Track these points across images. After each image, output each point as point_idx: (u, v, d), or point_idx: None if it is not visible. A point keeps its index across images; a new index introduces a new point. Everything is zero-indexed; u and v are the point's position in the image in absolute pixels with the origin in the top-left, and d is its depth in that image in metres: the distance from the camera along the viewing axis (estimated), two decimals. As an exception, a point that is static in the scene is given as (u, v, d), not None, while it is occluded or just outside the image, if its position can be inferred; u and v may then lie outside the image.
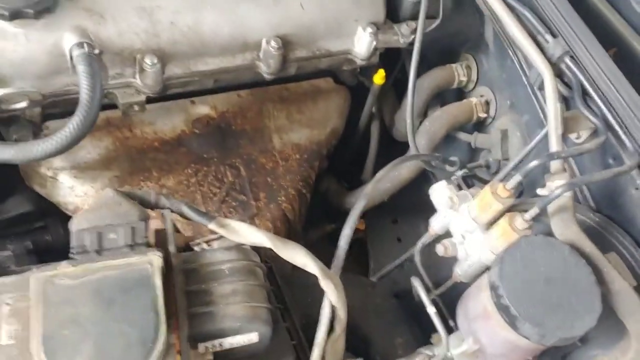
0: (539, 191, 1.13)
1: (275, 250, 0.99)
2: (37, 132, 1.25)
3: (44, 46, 1.14)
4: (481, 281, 1.06)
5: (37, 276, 0.86)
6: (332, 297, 0.99)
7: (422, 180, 1.60)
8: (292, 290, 1.15)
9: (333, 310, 1.00)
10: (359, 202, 1.13)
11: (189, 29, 1.25)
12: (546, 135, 1.19)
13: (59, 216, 1.41)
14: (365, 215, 1.75)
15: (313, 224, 1.67)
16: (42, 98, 1.16)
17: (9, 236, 1.42)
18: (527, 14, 1.31)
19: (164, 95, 1.34)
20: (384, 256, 1.67)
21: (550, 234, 1.08)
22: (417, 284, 1.16)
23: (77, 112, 1.08)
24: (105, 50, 1.18)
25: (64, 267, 0.88)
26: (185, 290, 0.91)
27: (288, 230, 1.45)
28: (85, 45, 1.12)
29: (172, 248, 0.95)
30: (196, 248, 1.06)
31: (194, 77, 1.32)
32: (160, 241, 0.96)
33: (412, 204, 1.60)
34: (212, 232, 1.02)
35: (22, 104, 1.15)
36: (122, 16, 1.20)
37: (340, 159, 1.72)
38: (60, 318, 0.83)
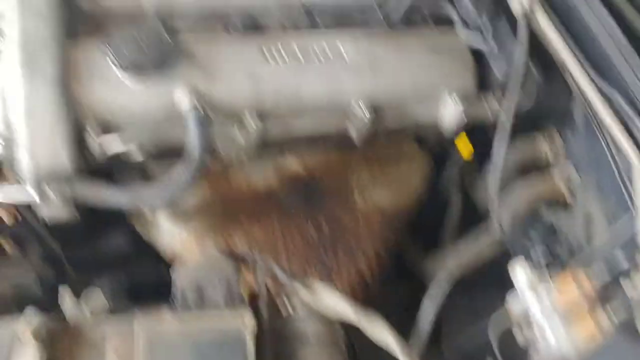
0: (624, 282, 1.12)
1: (356, 322, 1.03)
2: (145, 177, 1.35)
3: (159, 100, 1.24)
4: None
5: (142, 323, 0.94)
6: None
7: (503, 252, 1.58)
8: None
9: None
10: (441, 278, 1.16)
11: (291, 95, 1.33)
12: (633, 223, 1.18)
13: (153, 255, 1.51)
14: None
15: (388, 283, 1.70)
16: (153, 147, 1.26)
17: (105, 269, 1.53)
18: (618, 97, 1.32)
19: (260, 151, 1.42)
20: (458, 328, 1.66)
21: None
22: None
23: (187, 165, 1.17)
24: (214, 108, 1.27)
25: (166, 317, 0.95)
26: (273, 353, 0.96)
27: (365, 291, 1.49)
28: (197, 102, 1.22)
29: (263, 307, 1.02)
30: (281, 308, 1.11)
31: (290, 136, 1.40)
32: (252, 299, 1.03)
33: (490, 276, 1.59)
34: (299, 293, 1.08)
35: (136, 153, 1.25)
36: (232, 78, 1.29)
37: (420, 222, 1.75)
38: (159, 365, 0.90)
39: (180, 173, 1.18)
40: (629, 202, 1.32)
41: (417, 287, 1.74)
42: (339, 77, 1.37)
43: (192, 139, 1.19)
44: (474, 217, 1.64)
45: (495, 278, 1.41)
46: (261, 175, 1.51)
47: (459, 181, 1.71)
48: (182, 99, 1.24)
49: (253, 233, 1.44)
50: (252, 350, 0.90)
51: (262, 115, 1.32)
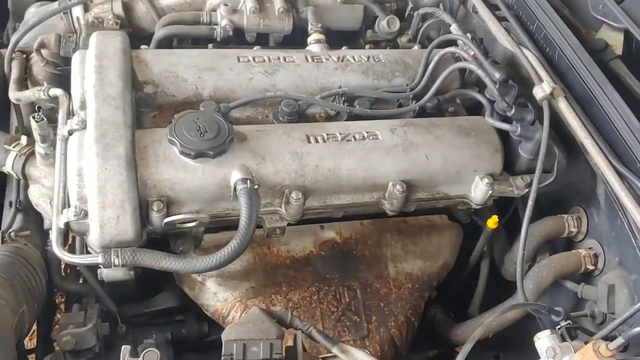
0: (643, 357, 1.18)
1: (387, 380, 1.12)
2: (197, 245, 1.50)
3: (215, 179, 1.40)
4: None
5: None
6: None
7: (527, 319, 1.66)
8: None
9: None
10: (467, 346, 1.24)
11: (329, 172, 1.47)
12: None
13: (195, 313, 1.63)
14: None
15: (417, 347, 1.78)
16: (207, 219, 1.41)
17: (153, 325, 1.66)
18: (636, 181, 1.41)
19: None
20: None
21: None
22: None
23: (236, 236, 1.31)
24: (262, 184, 1.42)
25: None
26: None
27: (395, 355, 1.57)
28: (248, 181, 1.36)
29: (301, 365, 1.12)
30: (318, 367, 1.21)
31: (328, 209, 1.53)
32: (289, 357, 1.13)
33: (515, 341, 1.67)
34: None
35: (192, 224, 1.40)
36: (278, 158, 1.45)
37: (449, 290, 1.84)
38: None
39: (232, 243, 1.31)
40: None
41: (447, 354, 1.83)
42: (374, 157, 1.51)
43: (243, 212, 1.33)
44: (501, 287, 1.72)
45: (522, 345, 1.47)
46: (300, 244, 1.64)
47: (488, 252, 1.80)
48: (235, 177, 1.38)
49: (292, 297, 1.55)
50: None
51: (304, 191, 1.46)
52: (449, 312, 1.84)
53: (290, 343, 1.18)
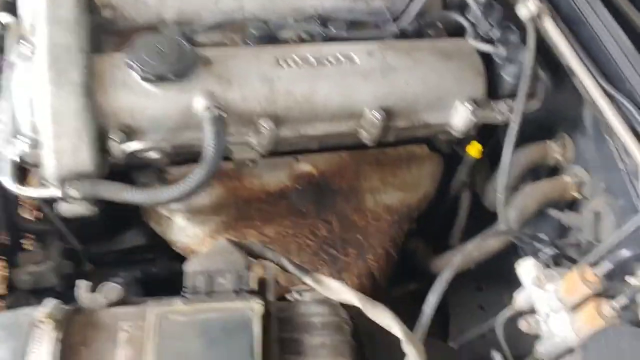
0: (629, 279, 1.14)
1: (363, 309, 1.06)
2: (161, 177, 1.41)
3: (177, 105, 1.30)
4: None
5: (154, 310, 0.98)
6: (414, 361, 1.04)
7: (510, 249, 1.62)
8: (374, 349, 1.21)
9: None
10: (446, 273, 1.19)
11: (303, 98, 1.38)
12: None
13: (166, 251, 1.56)
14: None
15: (398, 281, 1.74)
16: (171, 149, 1.32)
17: (121, 265, 1.59)
18: (626, 103, 1.34)
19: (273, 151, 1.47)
20: (466, 322, 1.68)
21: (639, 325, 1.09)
22: (497, 359, 1.19)
23: (201, 165, 1.23)
24: (229, 111, 1.32)
25: (177, 304, 1.00)
26: (279, 338, 1.00)
27: (373, 287, 1.52)
28: (213, 107, 1.27)
29: (270, 296, 1.05)
30: (289, 297, 1.15)
31: (302, 139, 1.45)
32: (260, 289, 1.07)
33: (498, 272, 1.62)
34: (306, 284, 1.12)
35: (154, 154, 1.31)
36: (247, 83, 1.35)
37: (430, 221, 1.78)
38: (170, 351, 0.95)
39: (196, 173, 1.23)
40: (638, 204, 1.34)
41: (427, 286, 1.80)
42: (350, 81, 1.42)
43: (207, 139, 1.24)
44: (483, 217, 1.67)
45: (504, 276, 1.43)
46: (274, 177, 1.55)
47: (469, 182, 1.74)
48: (199, 103, 1.29)
49: (266, 231, 1.49)
50: (258, 334, 0.94)
51: (275, 120, 1.37)
52: (429, 244, 1.80)
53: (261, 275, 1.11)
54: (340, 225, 1.54)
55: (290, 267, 1.11)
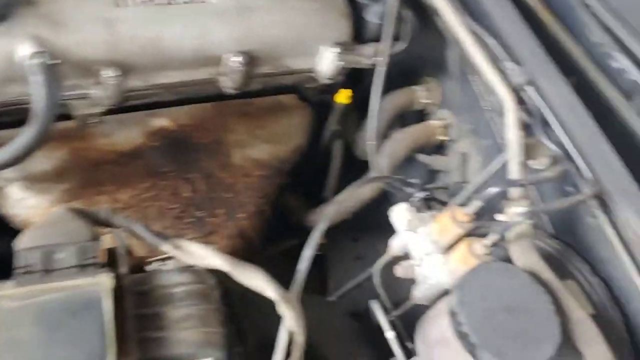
0: (499, 217, 1.14)
1: (231, 274, 0.96)
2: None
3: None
4: (440, 306, 1.06)
5: (-23, 297, 0.81)
6: (290, 322, 0.96)
7: (383, 198, 1.59)
8: (248, 312, 1.12)
9: (291, 335, 0.98)
10: (320, 225, 1.12)
11: (150, 42, 1.22)
12: (505, 161, 1.20)
13: (5, 229, 1.34)
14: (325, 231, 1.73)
15: (273, 239, 1.65)
16: (-5, 107, 1.11)
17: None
18: (490, 41, 1.33)
19: (123, 106, 1.30)
20: (344, 274, 1.64)
21: (509, 260, 1.08)
22: (375, 308, 1.16)
23: (30, 123, 1.04)
24: (62, 59, 1.13)
25: (6, 287, 0.83)
26: (136, 314, 0.88)
27: (246, 247, 1.42)
28: (41, 54, 1.08)
29: (123, 269, 0.92)
30: (149, 269, 1.02)
31: (154, 89, 1.29)
32: (111, 262, 0.92)
33: (373, 222, 1.57)
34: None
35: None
36: (82, 26, 1.16)
37: (302, 175, 1.69)
38: (1, 342, 0.79)
39: (25, 132, 1.04)
40: (502, 143, 1.35)
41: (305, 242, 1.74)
42: (204, 22, 1.28)
43: (36, 91, 1.05)
44: (356, 167, 1.62)
45: (380, 226, 1.40)
46: (126, 135, 1.38)
47: (340, 132, 1.68)
48: (24, 49, 1.09)
49: (120, 196, 1.32)
50: (109, 312, 0.81)
51: (119, 68, 1.20)
52: (303, 198, 1.73)
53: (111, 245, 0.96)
54: (206, 184, 1.41)
55: (144, 234, 0.97)
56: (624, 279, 1.08)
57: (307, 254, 1.07)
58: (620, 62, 1.33)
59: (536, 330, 0.94)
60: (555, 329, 0.94)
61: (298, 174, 1.67)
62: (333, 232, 1.76)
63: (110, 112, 1.30)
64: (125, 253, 0.93)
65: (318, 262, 1.74)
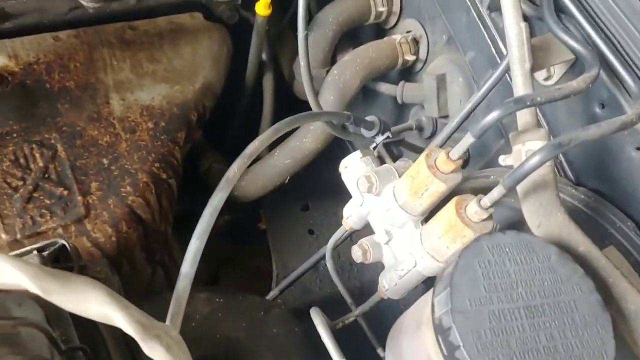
0: (502, 160, 0.73)
1: (45, 296, 0.54)
2: None
3: None
4: (421, 309, 0.67)
5: None
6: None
7: (339, 151, 1.24)
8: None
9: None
10: (217, 194, 0.69)
11: None
12: (503, 76, 0.81)
13: None
14: (263, 204, 1.34)
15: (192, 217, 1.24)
16: None
17: None
18: None
19: None
20: (292, 256, 1.32)
21: (518, 225, 0.72)
22: (316, 317, 0.75)
23: None
24: None
25: None
26: None
27: (142, 234, 1.01)
28: None
29: None
30: None
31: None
32: None
33: (327, 184, 1.21)
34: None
35: None
36: None
37: (224, 127, 1.34)
38: None
39: None
40: (494, 51, 0.95)
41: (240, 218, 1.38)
42: None
43: None
44: (295, 110, 1.22)
45: (335, 189, 1.01)
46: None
47: (271, 63, 1.25)
48: None
49: None
50: None
51: None
52: (229, 159, 1.31)
53: None
54: (69, 147, 1.00)
55: None
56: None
57: (193, 247, 0.65)
58: None
59: (576, 341, 0.59)
60: (605, 337, 0.60)
61: (220, 125, 1.31)
62: (273, 202, 1.42)
63: None
64: None
65: (260, 240, 1.38)
